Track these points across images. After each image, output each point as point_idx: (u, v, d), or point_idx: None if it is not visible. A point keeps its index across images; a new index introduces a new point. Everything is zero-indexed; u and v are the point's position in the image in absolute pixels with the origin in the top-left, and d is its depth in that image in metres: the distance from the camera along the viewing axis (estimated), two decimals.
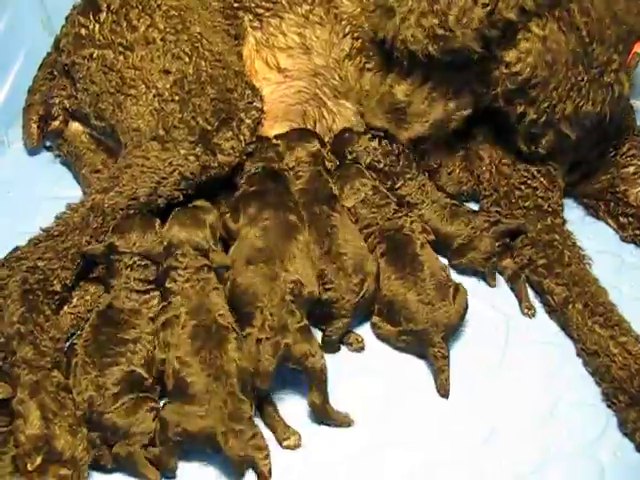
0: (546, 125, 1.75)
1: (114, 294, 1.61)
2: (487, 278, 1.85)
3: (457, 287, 1.68)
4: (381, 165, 1.94)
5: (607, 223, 2.04)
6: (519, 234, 1.83)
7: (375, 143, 1.96)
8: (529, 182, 1.88)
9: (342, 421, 1.55)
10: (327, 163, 1.93)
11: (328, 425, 1.55)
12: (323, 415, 1.54)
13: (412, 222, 1.83)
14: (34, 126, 2.06)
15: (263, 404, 1.53)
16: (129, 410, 1.45)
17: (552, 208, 1.87)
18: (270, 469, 1.45)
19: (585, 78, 1.69)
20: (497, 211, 1.90)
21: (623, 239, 2.01)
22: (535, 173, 1.88)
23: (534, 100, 1.72)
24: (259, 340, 1.51)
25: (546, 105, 1.71)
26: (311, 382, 1.51)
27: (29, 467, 1.34)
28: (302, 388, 1.58)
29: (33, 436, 1.37)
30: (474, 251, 1.82)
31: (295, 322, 1.53)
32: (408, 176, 1.94)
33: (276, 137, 1.95)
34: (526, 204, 1.86)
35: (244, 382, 1.47)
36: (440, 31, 1.64)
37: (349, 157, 1.96)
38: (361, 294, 1.68)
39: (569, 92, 1.69)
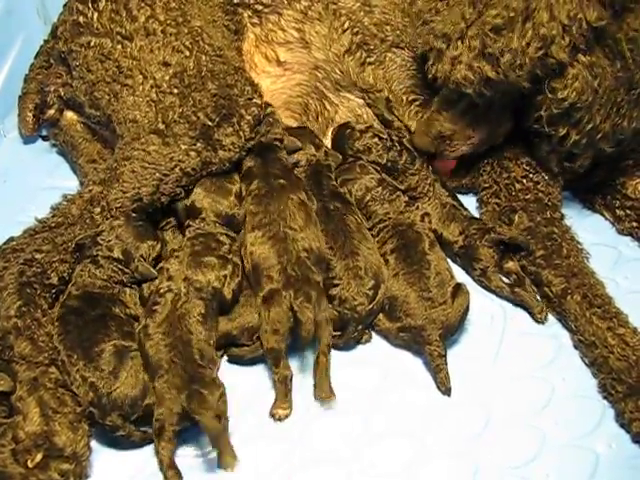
0: (587, 145, 1.75)
1: (72, 283, 1.60)
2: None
3: (459, 287, 1.67)
4: (384, 160, 1.93)
5: (603, 216, 2.04)
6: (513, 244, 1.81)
7: (376, 139, 1.95)
8: (531, 176, 1.88)
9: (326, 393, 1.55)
10: (327, 161, 1.92)
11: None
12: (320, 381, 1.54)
13: (423, 216, 1.83)
14: (29, 115, 2.05)
15: (280, 368, 1.54)
16: (133, 377, 1.45)
17: (552, 202, 1.87)
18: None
19: (625, 99, 1.69)
20: (496, 203, 1.90)
21: (620, 232, 2.01)
22: (538, 167, 1.88)
23: (578, 122, 1.71)
24: (285, 296, 1.56)
25: (590, 127, 1.71)
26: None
27: (29, 464, 1.34)
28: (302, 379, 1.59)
29: (33, 433, 1.37)
30: (477, 262, 1.80)
31: (316, 277, 1.60)
32: (410, 172, 1.92)
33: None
34: (527, 197, 1.86)
35: (203, 352, 1.50)
36: (493, 74, 1.64)
37: (350, 153, 1.95)
38: (374, 302, 1.66)
39: (609, 112, 1.70)
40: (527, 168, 1.89)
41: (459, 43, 1.67)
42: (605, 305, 1.69)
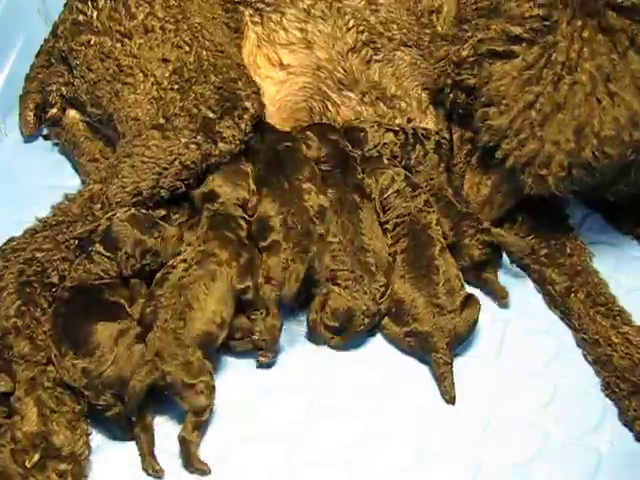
0: None
1: (69, 277, 1.59)
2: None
3: (470, 297, 1.66)
4: (398, 158, 1.94)
5: (602, 215, 2.04)
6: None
7: (391, 136, 1.95)
8: None
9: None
10: (353, 153, 1.92)
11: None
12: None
13: (438, 220, 1.81)
14: (30, 114, 2.05)
15: (270, 317, 1.57)
16: (124, 356, 1.45)
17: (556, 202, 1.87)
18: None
19: None
20: None
21: (620, 232, 2.01)
22: None
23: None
24: (285, 248, 1.60)
25: None
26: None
27: (27, 464, 1.34)
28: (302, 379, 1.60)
29: (30, 433, 1.36)
30: (460, 258, 1.78)
31: (318, 229, 1.66)
32: (421, 167, 1.93)
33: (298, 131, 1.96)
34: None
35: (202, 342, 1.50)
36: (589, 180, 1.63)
37: (369, 153, 1.94)
38: (383, 299, 1.67)
39: None
40: None
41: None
42: (609, 304, 1.70)
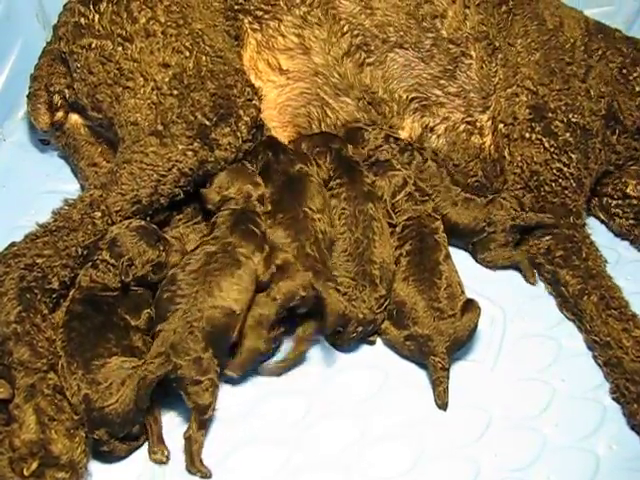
0: None
1: (76, 287, 1.59)
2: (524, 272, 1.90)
3: (471, 302, 1.66)
4: (401, 160, 1.96)
5: (598, 217, 2.08)
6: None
7: (392, 142, 1.97)
8: (560, 181, 1.90)
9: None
10: (355, 157, 1.93)
11: None
12: None
13: (443, 230, 1.84)
14: (43, 109, 1.99)
15: None
16: (128, 397, 1.42)
17: (576, 209, 1.90)
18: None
19: None
20: (521, 202, 1.93)
21: (616, 233, 2.04)
22: (568, 174, 1.91)
23: None
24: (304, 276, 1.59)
25: None
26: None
27: (25, 472, 1.33)
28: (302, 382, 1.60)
29: (29, 441, 1.35)
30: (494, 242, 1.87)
31: (329, 262, 1.67)
32: (423, 175, 1.94)
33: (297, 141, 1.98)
34: (554, 200, 1.89)
35: (214, 329, 1.50)
36: None
37: (378, 157, 1.96)
38: (381, 310, 1.68)
39: None
40: (557, 173, 1.91)
41: None
42: (622, 307, 1.72)
